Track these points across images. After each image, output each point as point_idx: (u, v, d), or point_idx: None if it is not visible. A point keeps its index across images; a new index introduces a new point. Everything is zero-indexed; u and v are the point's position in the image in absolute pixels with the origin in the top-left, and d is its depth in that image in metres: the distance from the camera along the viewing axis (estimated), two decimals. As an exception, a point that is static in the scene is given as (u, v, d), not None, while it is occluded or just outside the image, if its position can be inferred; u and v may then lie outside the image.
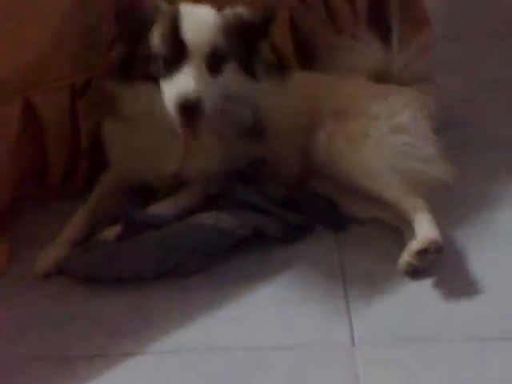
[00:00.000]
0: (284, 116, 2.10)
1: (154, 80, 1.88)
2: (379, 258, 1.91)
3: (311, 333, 1.71)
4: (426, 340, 1.68)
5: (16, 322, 1.79)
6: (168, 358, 1.67)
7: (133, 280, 1.85)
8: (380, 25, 2.45)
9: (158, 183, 2.06)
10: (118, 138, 2.05)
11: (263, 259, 1.93)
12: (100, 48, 2.10)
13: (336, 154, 2.05)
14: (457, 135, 2.18)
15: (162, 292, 1.84)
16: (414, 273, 1.84)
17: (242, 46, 1.93)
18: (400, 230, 1.97)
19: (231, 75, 1.92)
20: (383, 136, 2.05)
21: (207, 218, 1.92)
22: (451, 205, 2.04)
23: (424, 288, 1.81)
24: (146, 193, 2.07)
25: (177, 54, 1.84)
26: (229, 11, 1.94)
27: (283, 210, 2.01)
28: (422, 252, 1.83)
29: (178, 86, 1.82)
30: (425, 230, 1.88)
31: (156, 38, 1.87)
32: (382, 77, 2.30)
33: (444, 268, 1.85)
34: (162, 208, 1.98)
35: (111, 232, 1.92)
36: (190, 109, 1.81)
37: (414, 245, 1.85)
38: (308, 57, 2.48)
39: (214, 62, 1.87)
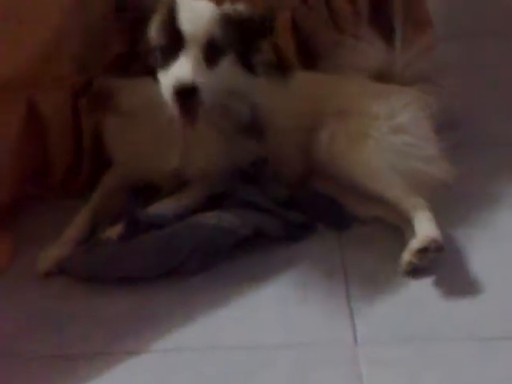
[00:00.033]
0: (286, 116, 2.10)
1: (153, 74, 1.89)
2: (381, 258, 1.91)
3: (313, 332, 1.72)
4: (427, 339, 1.68)
5: (17, 321, 1.79)
6: (170, 357, 1.67)
7: (135, 279, 1.85)
8: (382, 25, 2.45)
9: (160, 181, 2.06)
10: (118, 133, 2.05)
11: (265, 259, 1.93)
12: (100, 48, 2.10)
13: (337, 154, 2.05)
14: (458, 135, 2.17)
15: (164, 291, 1.84)
16: (415, 272, 1.84)
17: (239, 40, 1.94)
18: (402, 229, 1.97)
19: (228, 68, 1.93)
20: (384, 136, 2.05)
21: (209, 218, 1.93)
22: (452, 204, 2.04)
23: (425, 287, 1.82)
24: (147, 192, 2.07)
25: (174, 44, 1.85)
26: (228, 6, 1.96)
27: (285, 209, 2.01)
28: (422, 251, 1.84)
29: (174, 73, 1.84)
30: (425, 228, 1.88)
31: (153, 29, 1.89)
32: (383, 77, 2.30)
33: (445, 267, 1.86)
34: (164, 206, 1.98)
35: (114, 231, 1.92)
36: (186, 96, 1.82)
37: (414, 243, 1.85)
38: (310, 57, 2.48)
39: (211, 54, 1.88)
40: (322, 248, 1.97)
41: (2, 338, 1.74)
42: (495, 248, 1.93)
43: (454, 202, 2.05)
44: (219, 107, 1.95)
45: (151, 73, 1.89)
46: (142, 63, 1.91)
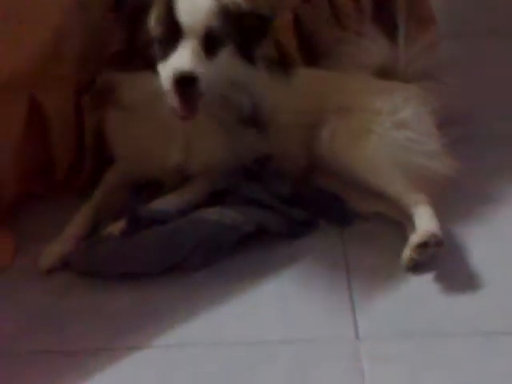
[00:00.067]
0: (288, 112, 2.10)
1: (154, 68, 1.89)
2: (383, 254, 1.91)
3: (315, 327, 1.72)
4: (429, 334, 1.69)
5: (20, 316, 1.79)
6: (172, 352, 1.68)
7: (137, 275, 1.86)
8: (385, 22, 2.45)
9: (163, 177, 2.06)
10: (119, 127, 2.06)
11: (268, 255, 1.94)
12: (100, 48, 2.11)
13: (339, 150, 2.05)
14: (460, 131, 2.18)
15: (166, 287, 1.84)
16: (416, 267, 1.85)
17: (238, 32, 1.94)
18: (404, 225, 1.97)
19: (227, 59, 1.93)
20: (386, 131, 2.05)
21: (211, 214, 1.93)
22: (453, 200, 2.04)
23: (427, 283, 1.82)
24: (149, 189, 2.08)
25: (172, 35, 1.86)
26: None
27: (288, 206, 2.01)
28: (422, 245, 1.84)
29: (173, 64, 1.84)
30: (425, 223, 1.89)
31: (152, 21, 1.90)
32: (386, 74, 2.31)
33: (446, 263, 1.86)
34: (166, 202, 1.99)
35: (116, 227, 1.92)
36: (185, 84, 1.83)
37: (414, 238, 1.86)
38: (313, 54, 2.48)
39: (209, 45, 1.88)
40: (324, 244, 1.97)
41: (5, 333, 1.75)
42: (495, 243, 1.93)
43: (456, 198, 2.06)
44: (219, 99, 1.95)
45: (152, 66, 1.90)
46: (142, 57, 1.91)
